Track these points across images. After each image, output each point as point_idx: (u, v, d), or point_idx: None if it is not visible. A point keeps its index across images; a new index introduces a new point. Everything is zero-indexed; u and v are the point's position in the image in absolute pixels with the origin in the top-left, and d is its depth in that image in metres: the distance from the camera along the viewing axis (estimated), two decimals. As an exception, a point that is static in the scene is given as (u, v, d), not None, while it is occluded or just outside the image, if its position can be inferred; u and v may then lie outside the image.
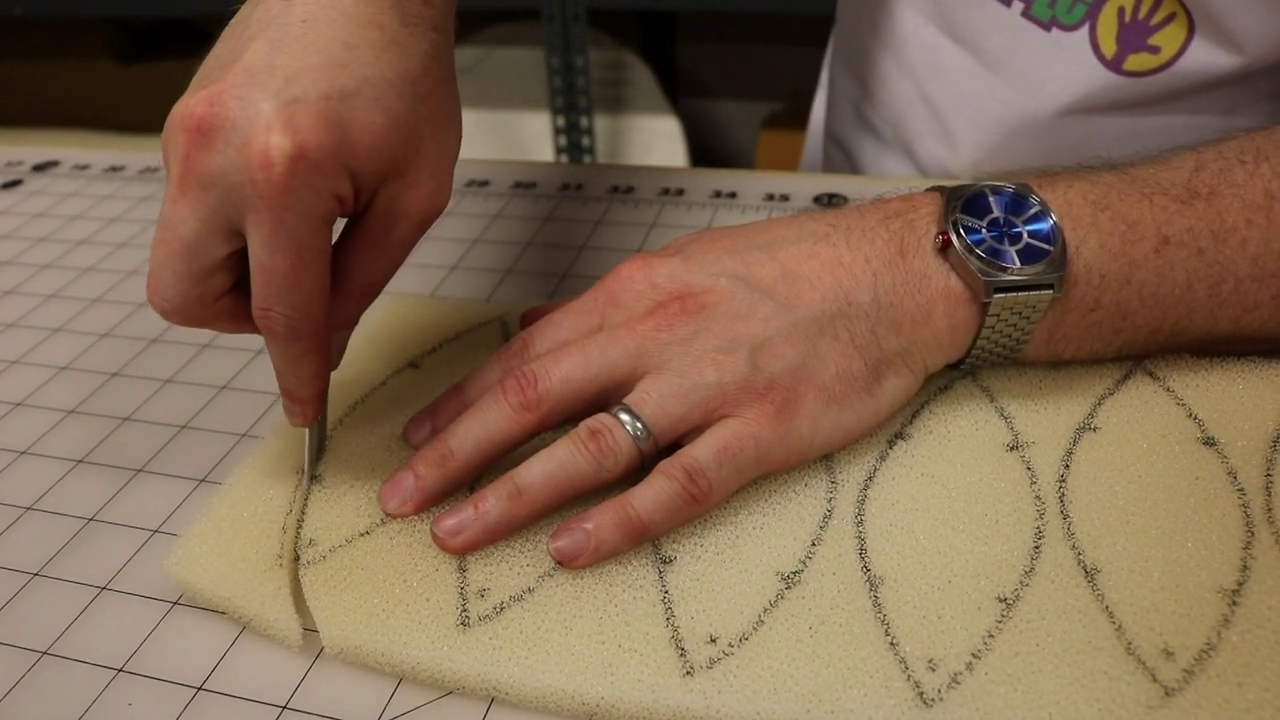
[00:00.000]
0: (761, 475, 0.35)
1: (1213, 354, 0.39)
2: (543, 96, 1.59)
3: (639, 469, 0.34)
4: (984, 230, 0.36)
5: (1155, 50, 0.50)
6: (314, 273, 0.33)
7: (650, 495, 0.33)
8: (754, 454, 0.34)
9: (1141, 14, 0.50)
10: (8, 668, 0.33)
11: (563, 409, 0.35)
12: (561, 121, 1.55)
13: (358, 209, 0.34)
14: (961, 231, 0.36)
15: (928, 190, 0.39)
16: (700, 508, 0.33)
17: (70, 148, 0.72)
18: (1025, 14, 0.53)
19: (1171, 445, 0.36)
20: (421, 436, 0.38)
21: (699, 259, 0.37)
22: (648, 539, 0.33)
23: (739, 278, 0.36)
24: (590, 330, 0.37)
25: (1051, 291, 0.35)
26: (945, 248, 0.36)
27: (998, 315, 0.36)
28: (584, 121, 1.55)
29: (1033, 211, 0.36)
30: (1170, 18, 0.49)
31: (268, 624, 0.33)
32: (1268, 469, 0.34)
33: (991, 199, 0.37)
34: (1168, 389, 0.38)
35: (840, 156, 0.72)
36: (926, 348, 0.36)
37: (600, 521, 0.33)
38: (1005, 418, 0.38)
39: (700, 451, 0.33)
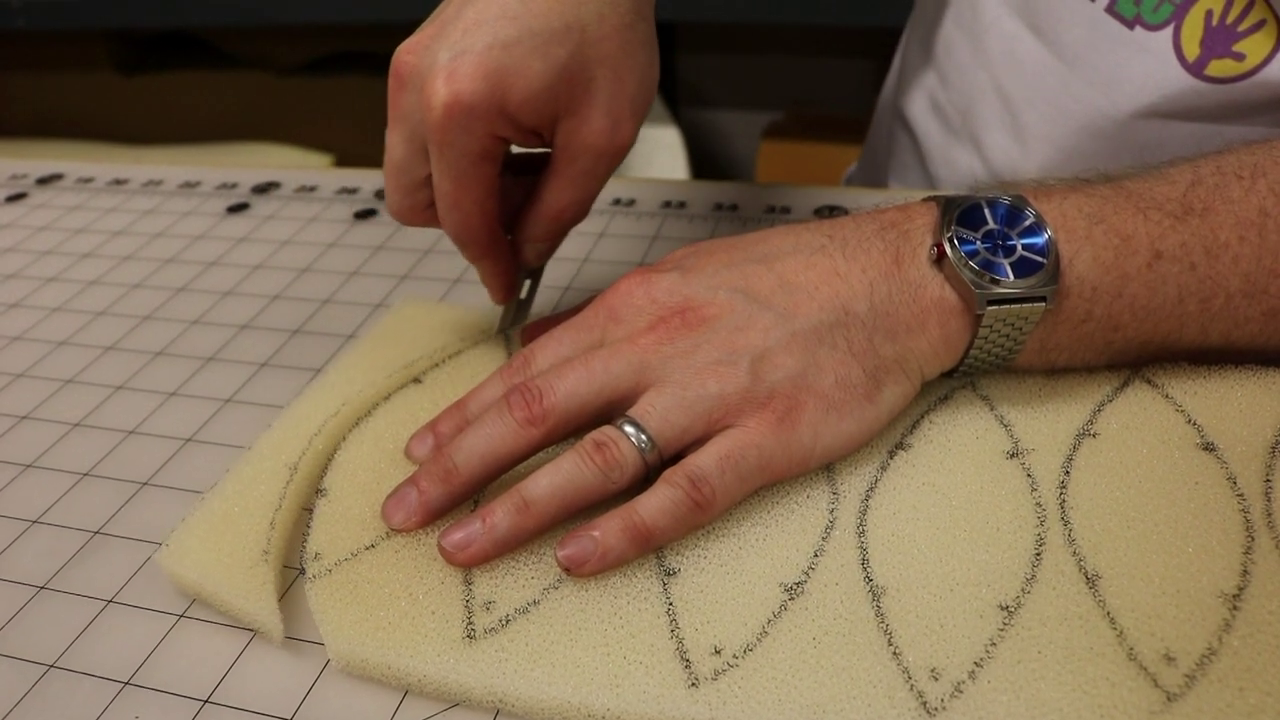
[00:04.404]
0: (765, 484, 0.35)
1: (1210, 361, 0.39)
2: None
3: (644, 481, 0.35)
4: (978, 242, 0.36)
5: (1240, 57, 0.49)
6: (473, 198, 0.39)
7: (655, 503, 0.33)
8: (757, 462, 0.34)
9: (1230, 18, 0.49)
10: (15, 681, 0.33)
11: (567, 424, 0.35)
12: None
13: (545, 143, 0.40)
14: (956, 243, 0.36)
15: (924, 200, 0.39)
16: (705, 515, 0.34)
17: (74, 160, 0.73)
18: (1109, 9, 0.52)
19: (1171, 451, 0.36)
20: (423, 451, 0.38)
21: (697, 273, 0.38)
22: (654, 546, 0.34)
23: (738, 290, 0.37)
24: (591, 346, 0.37)
25: (1044, 304, 0.35)
26: (940, 259, 0.36)
27: (991, 326, 0.36)
28: (584, 131, 1.55)
29: (1028, 224, 0.37)
30: (1259, 25, 0.48)
31: (250, 618, 0.33)
32: (1267, 474, 0.35)
33: (987, 211, 0.37)
34: (1166, 395, 0.38)
35: (906, 138, 0.72)
36: (922, 356, 0.37)
37: (607, 529, 0.33)
38: (1005, 425, 0.38)
39: (704, 460, 0.34)
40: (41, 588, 0.36)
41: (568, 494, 0.34)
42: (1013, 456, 0.36)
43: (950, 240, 0.36)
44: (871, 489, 0.36)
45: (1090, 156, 0.57)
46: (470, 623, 0.32)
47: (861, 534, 0.34)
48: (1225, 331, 0.38)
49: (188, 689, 0.32)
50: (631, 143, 0.40)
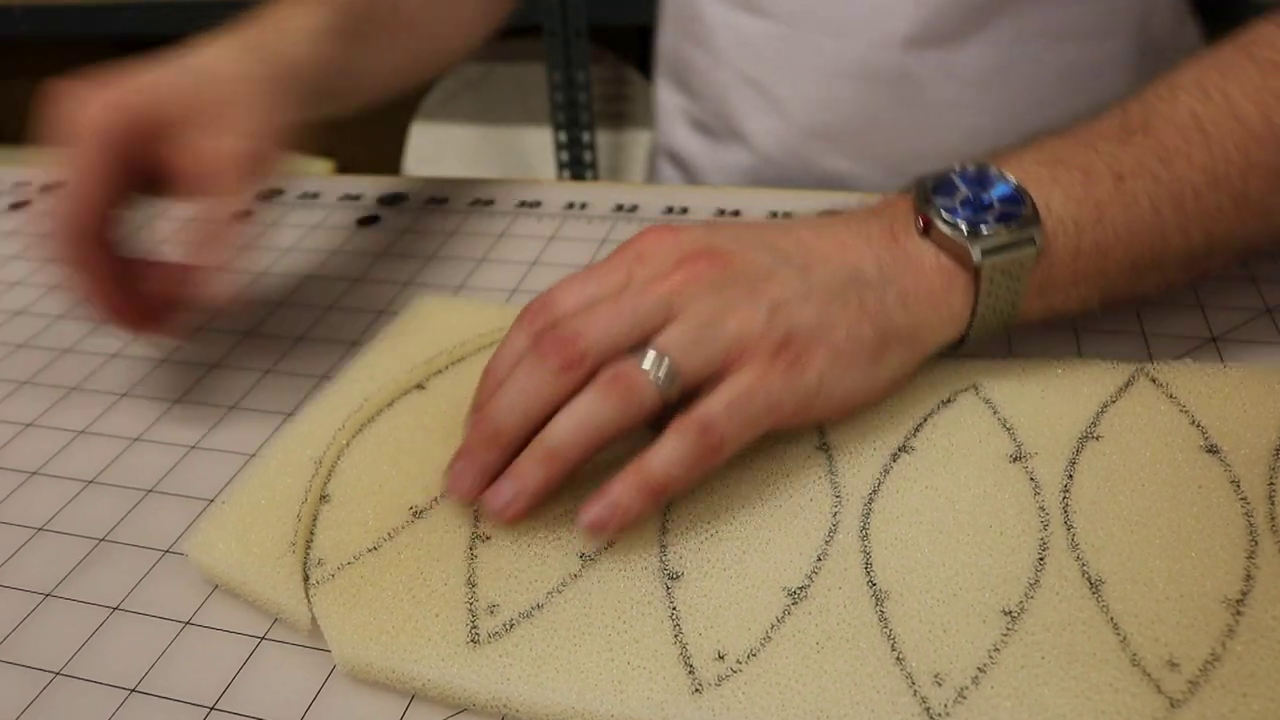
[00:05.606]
0: (771, 429, 0.36)
1: (1200, 279, 0.43)
2: (544, 112, 1.60)
3: (663, 414, 0.35)
4: (958, 207, 0.38)
5: None
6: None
7: (665, 454, 0.34)
8: (764, 405, 0.35)
9: None
10: (21, 689, 0.33)
11: (603, 365, 0.36)
12: (563, 137, 1.56)
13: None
14: (941, 211, 0.38)
15: (900, 192, 0.41)
16: (714, 460, 0.34)
17: (77, 169, 0.73)
18: None
19: (1174, 453, 0.36)
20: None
21: (720, 231, 0.39)
22: (668, 497, 0.34)
23: (761, 245, 0.38)
24: (619, 286, 0.38)
25: (1034, 246, 0.37)
26: (928, 229, 0.38)
27: (991, 279, 0.38)
28: (586, 137, 1.55)
29: (996, 181, 0.39)
30: None
31: (277, 608, 0.34)
32: (1270, 478, 0.35)
33: (956, 179, 0.39)
34: (1170, 395, 0.38)
35: (675, 172, 0.76)
36: (931, 325, 0.38)
37: (621, 488, 0.34)
38: (1008, 429, 0.38)
39: (713, 404, 0.34)
40: (47, 595, 0.36)
41: (589, 434, 0.34)
42: (1016, 460, 0.36)
43: (933, 210, 0.38)
44: (874, 492, 0.36)
45: (852, 101, 0.62)
46: (474, 626, 0.32)
47: (865, 538, 0.34)
48: (1205, 228, 0.40)
49: (194, 696, 0.32)
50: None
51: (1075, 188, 0.39)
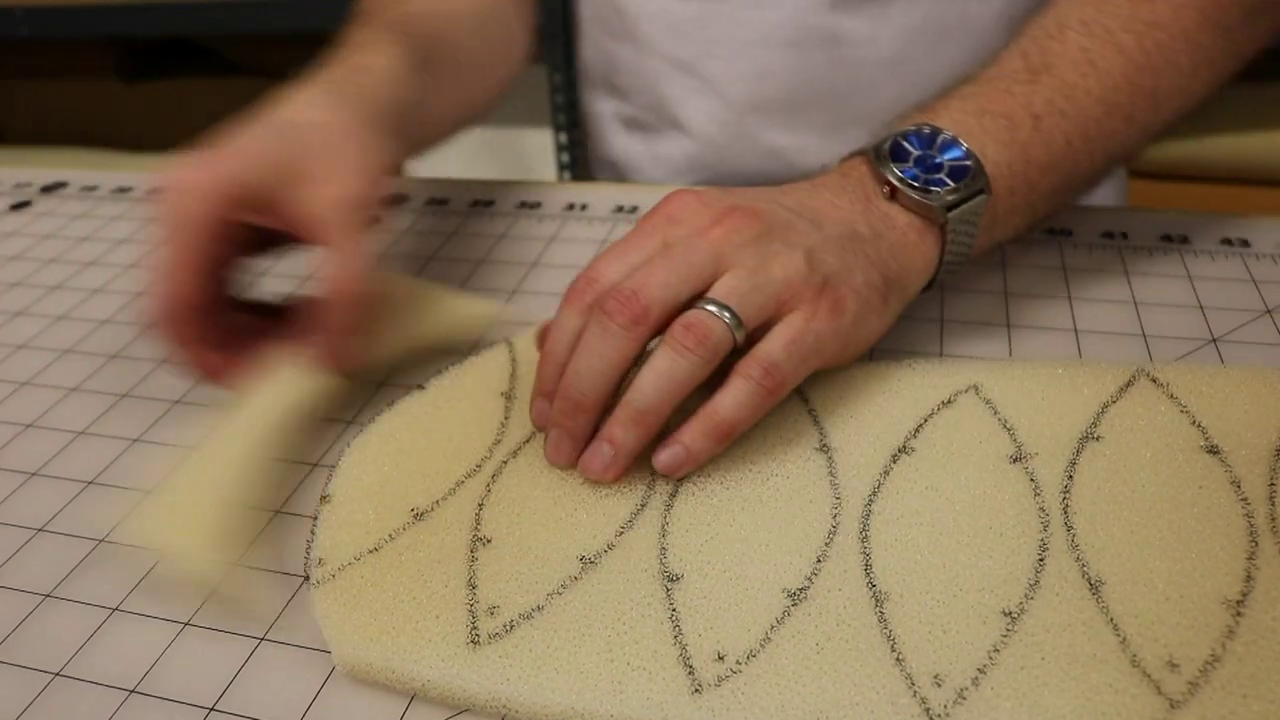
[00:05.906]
0: (816, 368, 0.38)
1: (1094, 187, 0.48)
2: (544, 112, 1.60)
3: (731, 355, 0.37)
4: (915, 169, 0.41)
5: None
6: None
7: (731, 398, 0.36)
8: (815, 345, 0.38)
9: None
10: (20, 689, 0.33)
11: (665, 319, 0.37)
12: (563, 138, 1.56)
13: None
14: (901, 175, 0.41)
15: (850, 158, 0.44)
16: (775, 399, 0.37)
17: (78, 169, 0.73)
18: None
19: (1175, 454, 0.36)
20: (547, 410, 0.39)
21: (737, 192, 0.41)
22: (735, 437, 0.37)
23: (773, 202, 0.40)
24: (658, 249, 0.39)
25: (985, 196, 0.41)
26: (893, 194, 0.41)
27: (955, 230, 0.42)
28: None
29: (942, 140, 0.42)
30: None
31: (187, 558, 0.35)
32: (1271, 478, 0.35)
33: (908, 142, 0.42)
34: (1171, 396, 0.38)
35: (611, 178, 0.76)
36: (916, 273, 0.42)
37: (692, 434, 0.36)
38: (1008, 429, 0.38)
39: (772, 346, 0.37)
40: (47, 596, 0.36)
41: (673, 389, 0.36)
42: (1016, 461, 0.36)
43: (894, 176, 0.41)
44: (875, 493, 0.36)
45: (784, 69, 0.63)
46: (475, 628, 0.32)
47: (864, 539, 0.34)
48: (1106, 149, 0.45)
49: (193, 697, 0.32)
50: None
51: (1003, 134, 0.43)
